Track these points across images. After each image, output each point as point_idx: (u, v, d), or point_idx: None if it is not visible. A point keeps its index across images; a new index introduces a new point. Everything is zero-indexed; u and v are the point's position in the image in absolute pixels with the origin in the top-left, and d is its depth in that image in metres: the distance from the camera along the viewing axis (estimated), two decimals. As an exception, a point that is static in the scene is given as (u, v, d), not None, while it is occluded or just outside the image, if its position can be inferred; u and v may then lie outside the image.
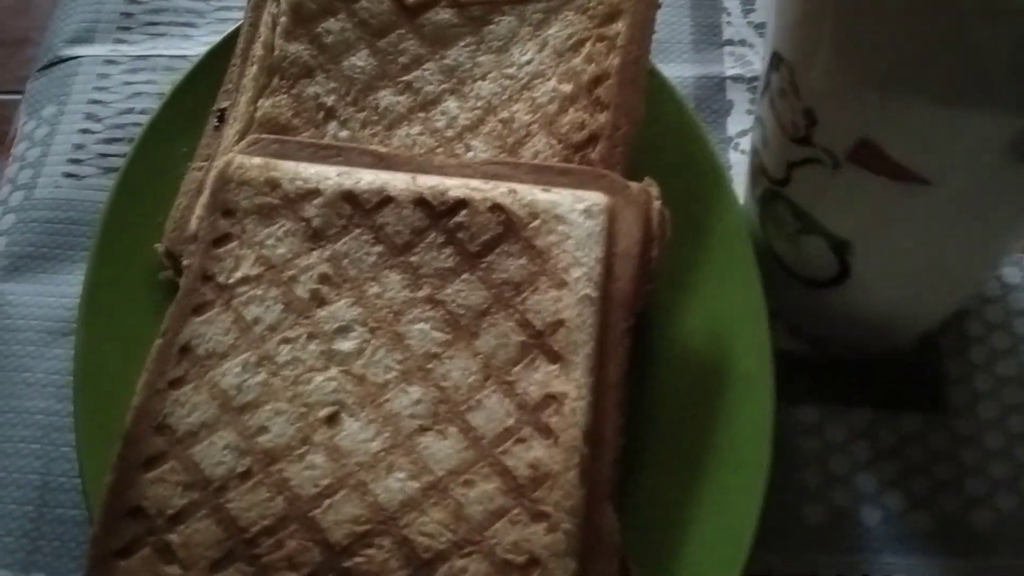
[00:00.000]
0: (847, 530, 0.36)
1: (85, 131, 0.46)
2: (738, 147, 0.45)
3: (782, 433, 0.37)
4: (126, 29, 0.49)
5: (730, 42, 0.48)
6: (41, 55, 0.50)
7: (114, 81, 0.47)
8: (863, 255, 0.33)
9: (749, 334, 0.36)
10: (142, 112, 0.46)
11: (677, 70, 0.47)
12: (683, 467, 0.35)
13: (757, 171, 0.36)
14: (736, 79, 0.47)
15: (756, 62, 0.47)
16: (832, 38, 0.27)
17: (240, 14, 0.44)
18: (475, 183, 0.36)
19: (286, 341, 0.34)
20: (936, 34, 0.24)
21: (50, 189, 0.44)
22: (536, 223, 0.35)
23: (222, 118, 0.42)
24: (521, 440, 0.32)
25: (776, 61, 0.30)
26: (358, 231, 0.36)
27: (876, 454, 0.37)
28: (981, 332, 0.39)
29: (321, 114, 0.41)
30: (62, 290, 0.42)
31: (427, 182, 0.36)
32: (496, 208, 0.36)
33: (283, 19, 0.42)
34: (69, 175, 0.45)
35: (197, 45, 0.49)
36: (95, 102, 0.47)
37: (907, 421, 0.38)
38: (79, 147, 0.45)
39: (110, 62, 0.48)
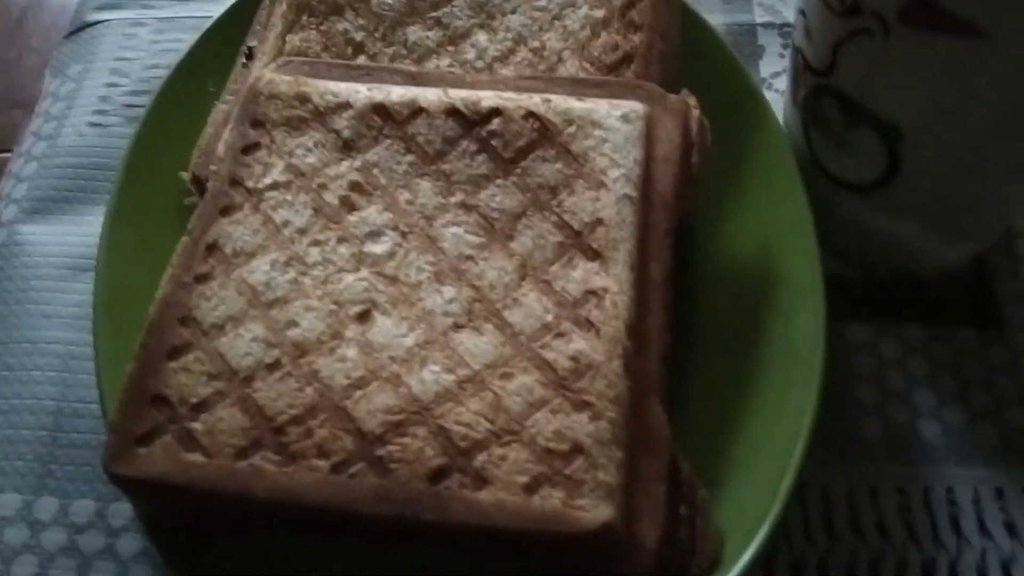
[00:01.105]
0: (906, 444, 0.34)
1: (111, 85, 0.46)
2: (771, 87, 0.44)
3: (834, 349, 0.35)
4: (155, -6, 0.49)
5: (759, -8, 0.47)
6: (69, 25, 0.50)
7: (141, 41, 0.47)
8: (914, 141, 0.32)
9: (796, 241, 0.35)
10: (169, 67, 0.46)
11: (707, 19, 0.46)
12: (735, 371, 0.33)
13: (800, 71, 0.35)
14: (767, 26, 0.46)
15: (785, 11, 0.47)
16: None
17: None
18: (508, 94, 0.36)
19: (316, 243, 0.33)
20: None
21: (74, 137, 0.44)
22: (572, 129, 0.34)
23: (250, 55, 0.41)
24: (561, 334, 0.31)
25: (820, -70, 0.30)
26: (388, 141, 0.35)
27: (933, 370, 0.35)
28: (1033, 251, 0.38)
29: (350, 49, 0.41)
30: (83, 230, 0.41)
31: (459, 94, 0.35)
32: (530, 115, 0.35)
33: (312, -40, 0.42)
34: (94, 124, 0.44)
35: (224, 8, 0.48)
36: (121, 59, 0.47)
37: (963, 337, 0.36)
38: (104, 99, 0.45)
39: (137, 24, 0.48)
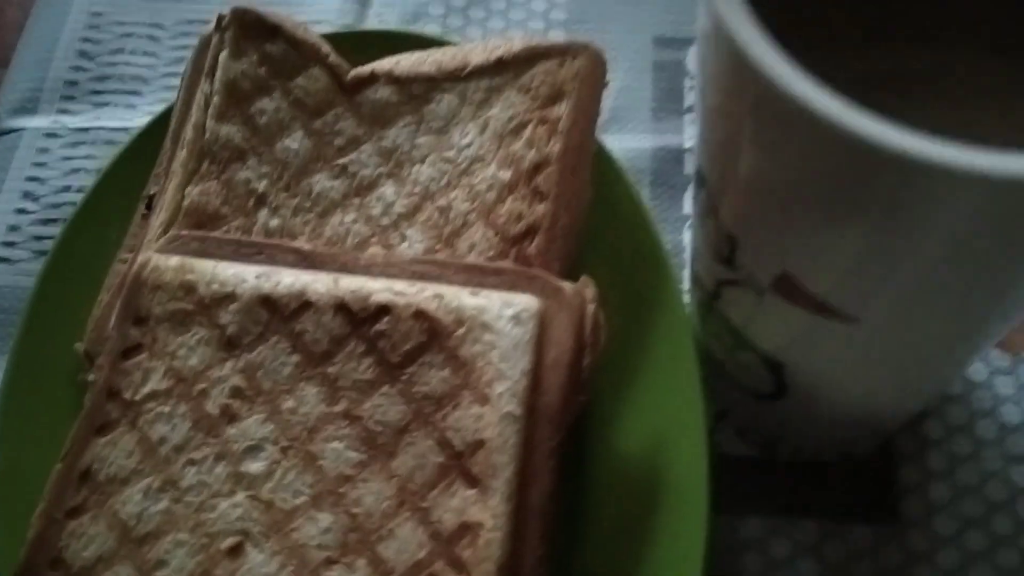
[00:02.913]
0: (789, 661, 0.34)
1: (21, 211, 0.44)
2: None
3: (723, 548, 0.35)
4: (70, 99, 0.48)
5: (691, 109, 0.45)
6: (-15, 129, 0.48)
7: (54, 156, 0.46)
8: (797, 377, 0.31)
9: (687, 447, 0.34)
10: (79, 190, 0.45)
11: (635, 141, 0.44)
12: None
13: (694, 276, 0.34)
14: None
15: (718, 132, 0.45)
16: (746, 161, 0.25)
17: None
18: (400, 285, 0.34)
19: (192, 463, 0.32)
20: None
21: (-20, 274, 0.43)
22: (462, 331, 0.33)
23: (150, 205, 0.40)
24: (433, 575, 0.31)
25: (700, 178, 0.28)
26: (275, 339, 0.34)
27: (823, 572, 0.35)
28: (941, 435, 0.37)
29: (252, 201, 0.39)
30: (-13, 385, 0.40)
31: (350, 285, 0.34)
32: (420, 315, 0.34)
33: (216, 99, 0.40)
34: (2, 259, 0.43)
35: (140, 115, 0.47)
36: (33, 179, 0.45)
37: (857, 535, 0.35)
38: (13, 228, 0.44)
39: (51, 135, 0.46)
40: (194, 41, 0.47)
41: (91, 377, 0.34)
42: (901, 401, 0.33)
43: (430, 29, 0.49)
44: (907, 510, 0.36)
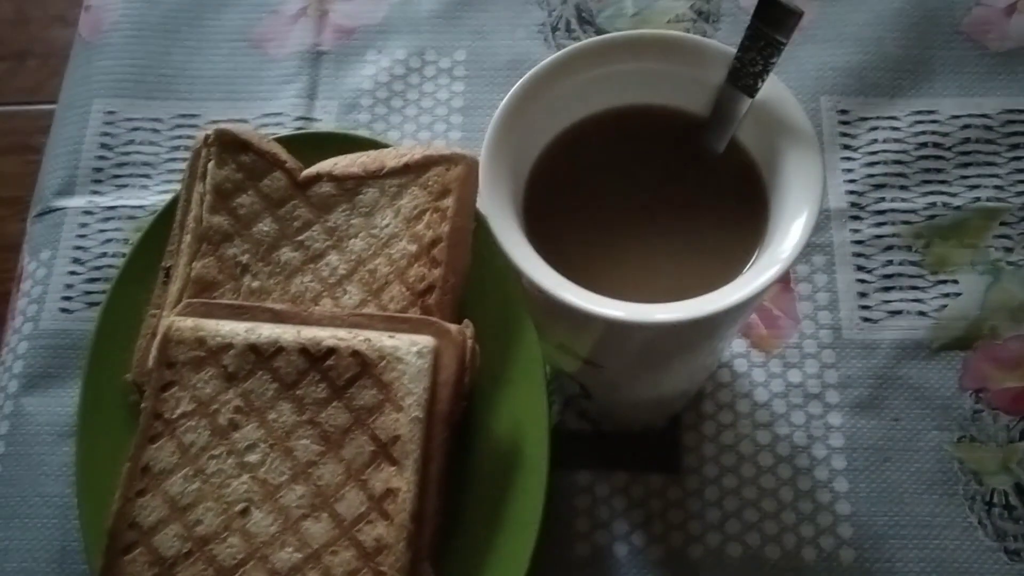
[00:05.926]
0: (604, 561, 0.52)
1: (73, 272, 0.61)
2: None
3: (564, 491, 0.54)
4: (98, 182, 0.64)
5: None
6: (35, 202, 0.65)
7: (91, 230, 0.63)
8: (592, 388, 0.49)
9: (535, 428, 0.52)
10: (113, 256, 0.62)
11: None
12: (484, 526, 0.51)
13: (533, 323, 0.52)
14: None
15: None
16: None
17: (182, 164, 0.60)
18: (342, 333, 0.52)
19: (212, 458, 0.50)
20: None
21: (50, 321, 0.60)
22: (384, 363, 0.51)
23: (168, 275, 0.57)
24: (370, 522, 0.49)
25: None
26: (260, 373, 0.52)
27: (628, 505, 0.53)
28: (712, 410, 0.55)
29: (238, 270, 0.56)
30: (64, 401, 0.58)
31: (308, 334, 0.52)
32: (355, 354, 0.51)
33: (208, 197, 0.57)
34: (63, 310, 0.60)
35: (152, 194, 0.63)
36: (78, 247, 0.62)
37: (652, 480, 0.54)
38: (69, 286, 0.61)
39: (87, 212, 0.63)
40: (186, 132, 0.64)
41: (143, 404, 0.52)
42: (665, 398, 0.51)
43: (362, 117, 0.65)
44: (687, 463, 0.54)
